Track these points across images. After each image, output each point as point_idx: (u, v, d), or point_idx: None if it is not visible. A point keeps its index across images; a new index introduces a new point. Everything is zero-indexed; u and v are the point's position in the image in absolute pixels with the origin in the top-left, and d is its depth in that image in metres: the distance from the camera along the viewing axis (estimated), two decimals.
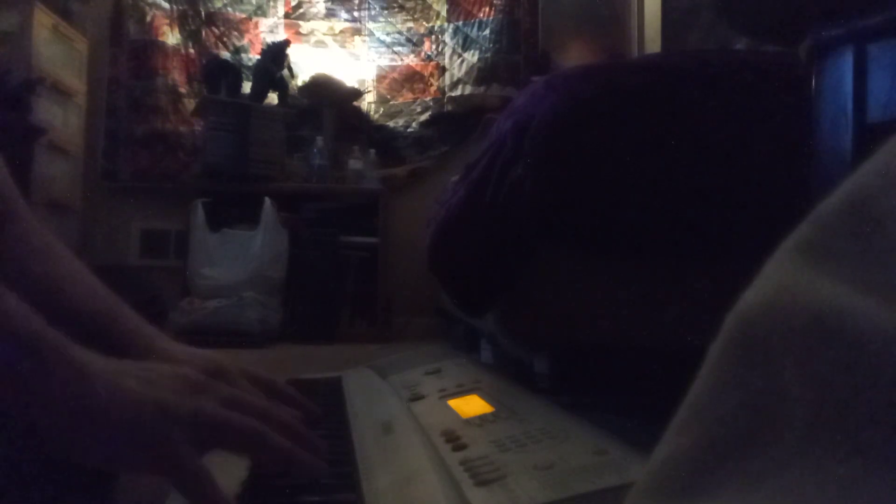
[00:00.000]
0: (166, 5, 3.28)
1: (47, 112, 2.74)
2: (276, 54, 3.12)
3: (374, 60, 3.42)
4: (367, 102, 3.39)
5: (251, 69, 3.20)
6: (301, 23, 3.42)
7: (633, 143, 0.96)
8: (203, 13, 3.33)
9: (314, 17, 3.43)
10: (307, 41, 3.41)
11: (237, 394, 0.49)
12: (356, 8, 3.45)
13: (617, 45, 3.26)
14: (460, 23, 3.42)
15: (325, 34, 3.43)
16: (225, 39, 3.34)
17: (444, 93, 3.39)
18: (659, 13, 3.03)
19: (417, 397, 0.72)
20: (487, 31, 3.38)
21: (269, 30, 3.39)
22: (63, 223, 2.88)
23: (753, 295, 0.21)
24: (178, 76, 3.27)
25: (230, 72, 3.10)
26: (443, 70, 3.41)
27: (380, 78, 3.41)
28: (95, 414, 0.39)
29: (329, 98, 3.22)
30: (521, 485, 0.41)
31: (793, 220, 0.22)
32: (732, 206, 0.96)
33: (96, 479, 0.49)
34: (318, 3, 3.44)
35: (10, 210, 0.58)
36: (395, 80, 3.41)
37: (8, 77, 2.42)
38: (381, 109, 3.40)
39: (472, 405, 0.64)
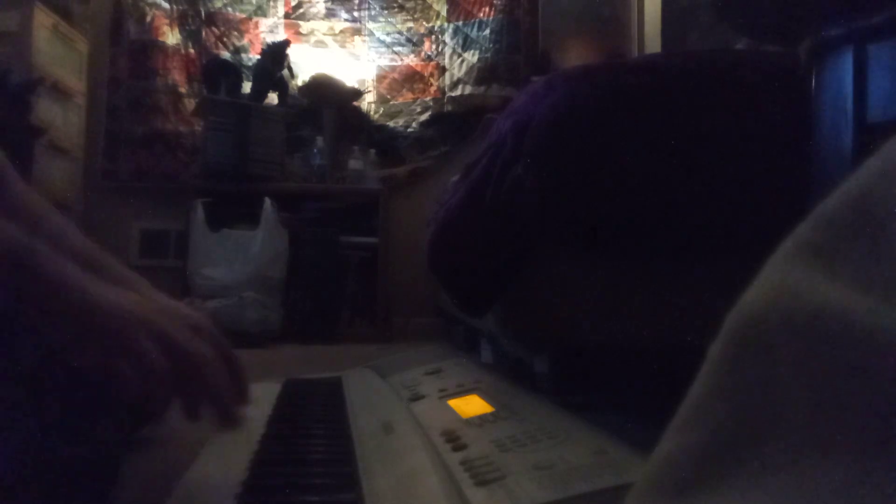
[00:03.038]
0: (166, 5, 3.28)
1: (47, 112, 2.74)
2: (276, 54, 3.12)
3: (374, 60, 3.42)
4: (367, 102, 3.39)
5: (251, 69, 3.20)
6: (301, 23, 3.42)
7: (632, 144, 0.96)
8: (203, 13, 3.33)
9: (314, 17, 3.43)
10: (307, 41, 3.41)
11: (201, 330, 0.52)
12: (356, 8, 3.45)
13: (617, 45, 3.26)
14: (460, 23, 3.42)
15: (325, 34, 3.43)
16: (225, 39, 3.34)
17: (444, 93, 3.39)
18: (659, 13, 3.03)
19: (417, 397, 0.72)
20: (487, 31, 3.38)
21: (269, 30, 3.39)
22: None
23: (754, 295, 0.21)
24: (178, 76, 3.27)
25: (230, 72, 3.09)
26: (443, 70, 3.41)
27: (380, 78, 3.41)
28: (76, 309, 0.43)
29: (329, 98, 3.22)
30: (521, 485, 0.41)
31: (793, 220, 0.22)
32: (732, 206, 0.96)
33: (96, 479, 0.49)
34: (318, 3, 3.44)
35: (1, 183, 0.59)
36: (395, 80, 3.41)
37: (8, 77, 2.42)
38: (381, 109, 3.40)
39: (472, 405, 0.64)
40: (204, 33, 3.32)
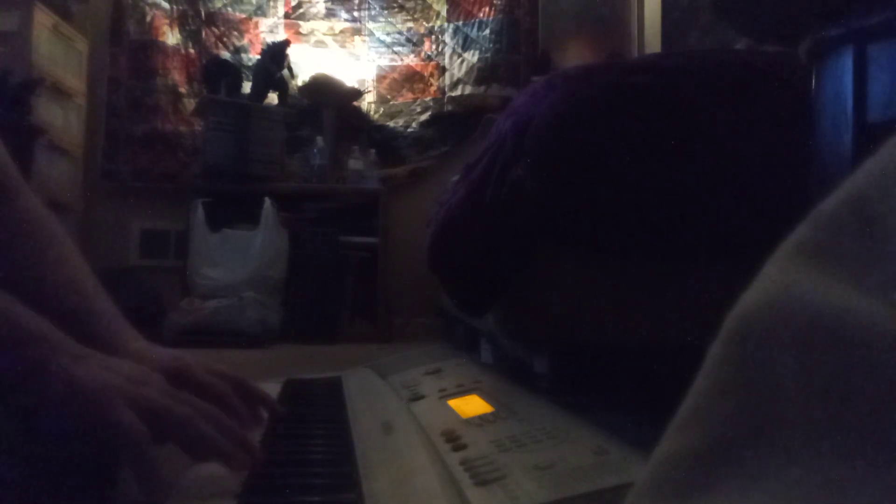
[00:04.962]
0: (166, 5, 3.28)
1: (47, 112, 2.74)
2: (276, 54, 3.12)
3: (374, 60, 3.42)
4: (367, 102, 3.39)
5: (251, 69, 3.20)
6: (301, 23, 3.42)
7: (632, 143, 0.96)
8: (203, 13, 3.33)
9: (314, 17, 3.43)
10: (307, 41, 3.41)
11: (181, 393, 0.54)
12: (356, 8, 3.45)
13: (617, 45, 3.26)
14: (460, 23, 3.42)
15: (325, 34, 3.43)
16: (225, 39, 3.34)
17: (444, 93, 3.39)
18: (659, 13, 3.03)
19: (417, 397, 0.72)
20: (487, 31, 3.38)
21: (269, 30, 3.39)
22: (63, 223, 2.86)
23: (753, 295, 0.21)
24: (178, 76, 3.26)
25: (230, 72, 3.09)
26: (443, 70, 3.41)
27: (380, 78, 3.41)
28: (60, 385, 0.46)
29: (329, 98, 3.22)
30: (521, 485, 0.41)
31: (793, 220, 0.22)
32: (732, 206, 0.96)
33: (96, 479, 0.49)
34: (318, 3, 3.44)
35: (7, 189, 0.59)
36: (395, 80, 3.41)
37: (8, 77, 2.42)
38: (381, 109, 3.40)
39: (472, 405, 0.64)
40: (204, 33, 3.32)
